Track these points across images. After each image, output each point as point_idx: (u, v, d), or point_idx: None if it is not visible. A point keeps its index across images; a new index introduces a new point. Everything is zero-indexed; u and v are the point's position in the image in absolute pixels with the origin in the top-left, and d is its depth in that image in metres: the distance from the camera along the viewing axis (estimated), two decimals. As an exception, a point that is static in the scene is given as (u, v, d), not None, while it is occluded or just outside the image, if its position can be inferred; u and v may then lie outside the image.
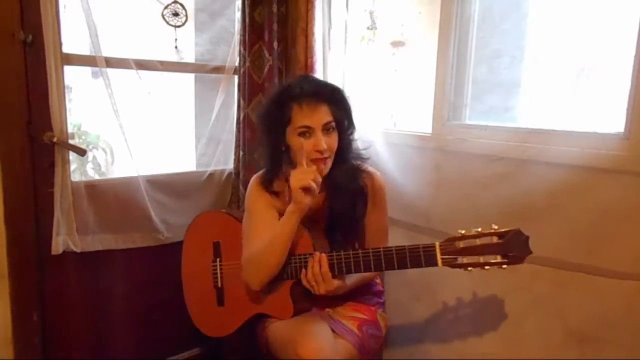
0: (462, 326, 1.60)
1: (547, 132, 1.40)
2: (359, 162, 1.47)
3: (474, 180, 1.55)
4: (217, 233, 1.59)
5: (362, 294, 1.51)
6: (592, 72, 1.58)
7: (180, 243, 1.68)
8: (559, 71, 1.64)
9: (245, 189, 1.85)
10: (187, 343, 1.98)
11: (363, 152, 1.49)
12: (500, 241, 1.16)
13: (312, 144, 1.32)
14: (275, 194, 1.44)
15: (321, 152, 1.32)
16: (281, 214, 1.37)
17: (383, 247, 1.27)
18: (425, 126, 1.74)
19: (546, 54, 1.68)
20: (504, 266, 1.15)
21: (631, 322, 1.25)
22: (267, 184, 1.43)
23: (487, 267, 1.16)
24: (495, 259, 1.16)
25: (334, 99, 1.37)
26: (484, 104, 1.71)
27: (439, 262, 1.19)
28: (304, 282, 1.31)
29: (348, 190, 1.41)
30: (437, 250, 1.20)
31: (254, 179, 1.48)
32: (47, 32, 1.45)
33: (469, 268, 1.18)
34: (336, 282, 1.29)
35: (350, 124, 1.43)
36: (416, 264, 1.22)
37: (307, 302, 1.42)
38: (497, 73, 1.73)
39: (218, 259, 1.56)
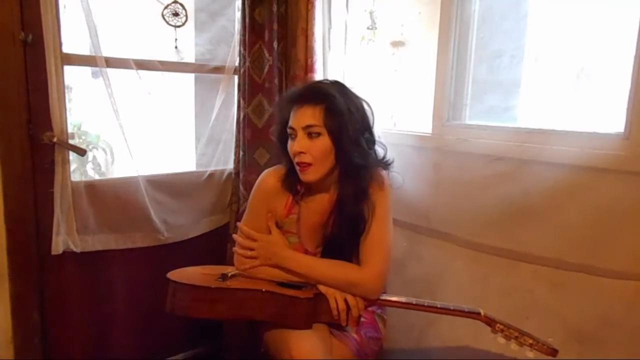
0: (462, 326, 1.60)
1: (547, 132, 1.40)
2: (373, 173, 1.36)
3: (474, 180, 1.55)
4: None
5: None
6: (592, 72, 1.58)
7: (180, 243, 1.68)
8: (559, 71, 1.64)
9: (245, 188, 1.87)
10: (186, 343, 1.98)
11: (384, 159, 1.42)
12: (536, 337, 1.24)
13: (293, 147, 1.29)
14: (296, 191, 1.40)
15: (296, 155, 1.28)
16: (288, 214, 1.40)
17: (428, 303, 1.30)
18: (425, 126, 1.74)
19: (546, 54, 1.68)
20: (532, 351, 1.22)
21: (631, 322, 1.25)
22: (289, 184, 1.38)
23: (516, 340, 1.24)
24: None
25: (326, 104, 1.26)
26: (484, 104, 1.71)
27: (482, 311, 1.28)
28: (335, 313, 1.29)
29: (351, 216, 1.34)
30: (481, 310, 1.28)
31: (266, 175, 1.41)
32: (47, 32, 1.45)
33: (501, 334, 1.25)
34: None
35: (350, 133, 1.28)
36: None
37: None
38: (497, 73, 1.73)
39: None
